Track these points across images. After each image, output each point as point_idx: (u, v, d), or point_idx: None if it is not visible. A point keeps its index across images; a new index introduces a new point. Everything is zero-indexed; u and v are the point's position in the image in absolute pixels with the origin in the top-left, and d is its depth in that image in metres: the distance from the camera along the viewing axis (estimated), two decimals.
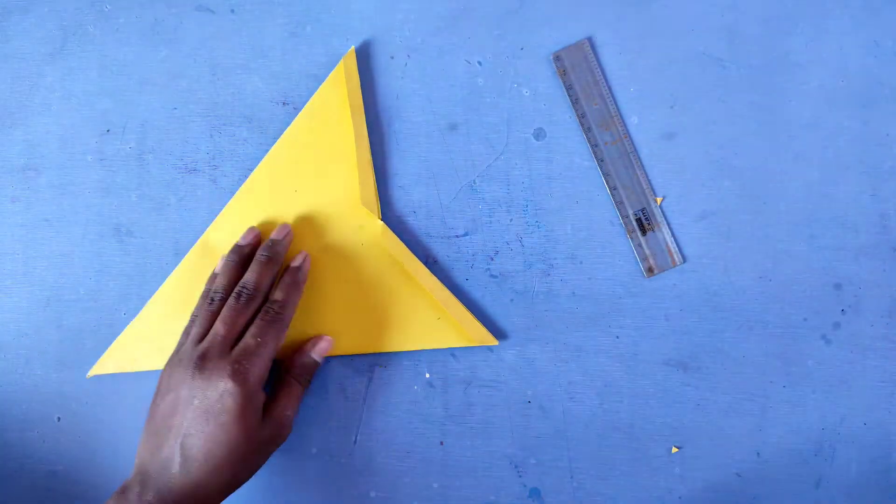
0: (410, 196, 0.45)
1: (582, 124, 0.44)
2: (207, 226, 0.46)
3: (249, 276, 0.41)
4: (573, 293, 0.45)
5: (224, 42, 0.46)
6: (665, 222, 0.44)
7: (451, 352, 0.45)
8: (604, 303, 0.45)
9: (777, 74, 0.45)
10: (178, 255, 0.46)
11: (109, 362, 0.45)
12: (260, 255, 0.42)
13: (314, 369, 0.44)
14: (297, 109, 0.46)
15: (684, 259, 0.44)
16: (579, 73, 0.44)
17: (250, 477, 0.40)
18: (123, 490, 0.37)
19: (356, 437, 0.46)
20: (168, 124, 0.46)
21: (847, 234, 0.44)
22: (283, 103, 0.46)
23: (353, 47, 0.45)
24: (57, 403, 0.46)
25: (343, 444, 0.46)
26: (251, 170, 0.46)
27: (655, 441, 0.44)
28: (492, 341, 0.44)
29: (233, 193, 0.46)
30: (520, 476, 0.45)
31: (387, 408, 0.45)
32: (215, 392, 0.37)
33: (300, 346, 0.44)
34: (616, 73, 0.45)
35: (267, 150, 0.46)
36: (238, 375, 0.38)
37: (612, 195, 0.44)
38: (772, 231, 0.44)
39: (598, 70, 0.44)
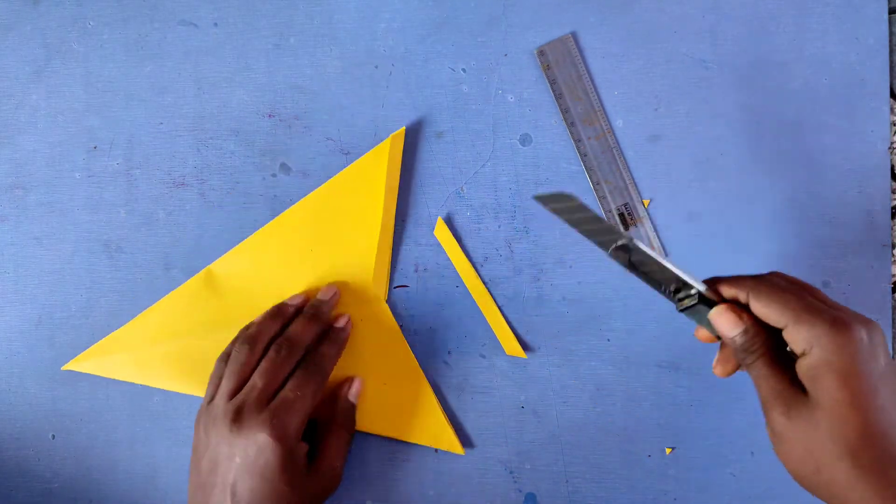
0: (398, 205, 0.45)
1: (566, 119, 0.44)
2: (197, 240, 0.46)
3: (294, 328, 0.41)
4: (563, 297, 0.45)
5: (208, 56, 0.46)
6: (648, 217, 0.44)
7: (444, 359, 0.45)
8: (594, 306, 0.45)
9: (760, 74, 0.45)
10: (168, 269, 0.46)
11: (87, 362, 0.45)
12: (307, 313, 0.42)
13: (354, 413, 0.43)
14: (283, 121, 0.46)
15: (667, 254, 0.44)
16: (563, 68, 0.44)
17: None
18: None
19: (351, 446, 0.46)
20: (155, 139, 0.46)
21: (834, 232, 0.44)
22: (269, 115, 0.46)
23: (403, 128, 0.45)
24: (51, 421, 0.46)
25: None
26: (239, 183, 0.46)
27: (649, 443, 0.45)
28: (459, 450, 0.44)
29: (221, 207, 0.46)
30: (515, 482, 0.45)
31: None
32: (254, 447, 0.37)
33: (335, 393, 0.43)
34: (600, 77, 0.45)
35: (254, 163, 0.46)
36: (276, 430, 0.37)
37: (595, 190, 0.44)
38: (759, 230, 0.45)
39: (582, 65, 0.45)
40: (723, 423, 0.44)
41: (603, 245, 0.34)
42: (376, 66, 0.46)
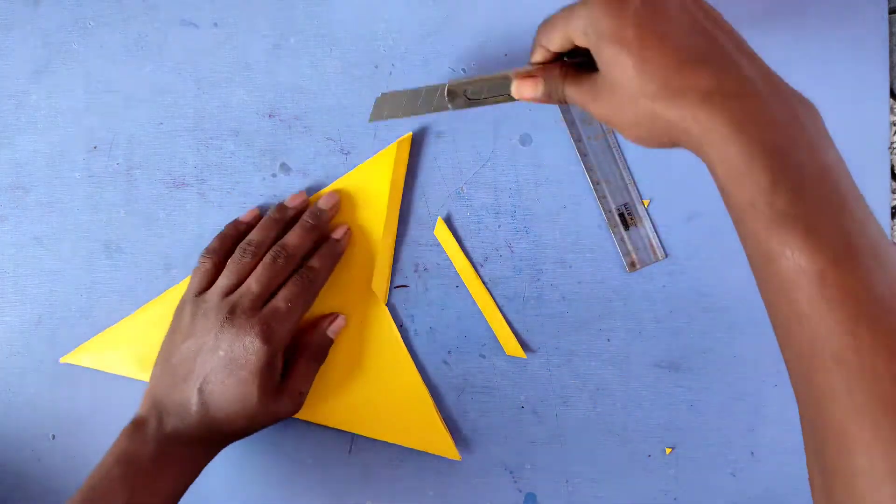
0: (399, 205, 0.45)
1: (566, 119, 0.44)
2: (197, 240, 0.46)
3: (291, 239, 0.42)
4: (563, 297, 0.45)
5: (208, 56, 0.46)
6: (648, 217, 0.44)
7: (444, 359, 0.45)
8: (594, 306, 0.45)
9: None
10: (168, 269, 0.46)
11: (85, 356, 0.46)
12: (305, 220, 0.43)
13: (329, 347, 0.44)
14: (284, 121, 0.46)
15: (666, 254, 0.44)
16: None
17: (256, 432, 0.41)
18: (139, 424, 0.38)
19: (351, 446, 0.46)
20: (155, 139, 0.46)
21: None
22: (269, 115, 0.46)
23: (410, 133, 0.45)
24: (51, 421, 0.46)
25: (338, 453, 0.46)
26: (239, 183, 0.46)
27: (649, 443, 0.45)
28: (455, 456, 0.44)
29: (221, 207, 0.46)
30: (515, 482, 0.45)
31: None
32: (241, 347, 0.38)
33: (315, 324, 0.44)
34: None
35: (254, 163, 0.46)
36: (265, 335, 0.39)
37: (595, 189, 0.44)
38: None
39: None
40: (723, 423, 0.44)
41: (439, 107, 0.41)
42: (376, 66, 0.46)
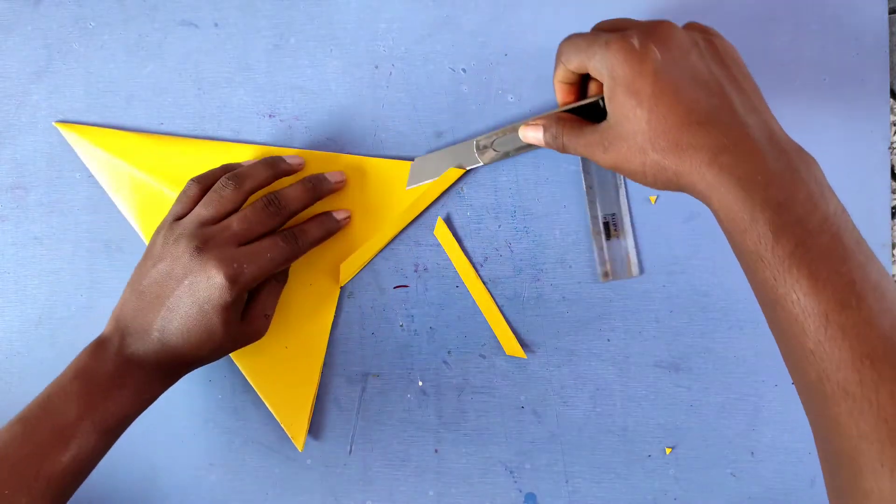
0: None
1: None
2: None
3: (288, 192, 0.41)
4: (563, 297, 0.45)
5: (209, 56, 0.46)
6: (632, 233, 0.44)
7: (444, 359, 0.45)
8: (594, 306, 0.45)
9: (760, 74, 0.45)
10: None
11: (78, 138, 0.46)
12: (307, 181, 0.42)
13: (288, 269, 0.44)
14: (284, 122, 0.46)
15: (642, 271, 0.44)
16: None
17: (220, 358, 0.41)
18: (101, 343, 0.39)
19: (351, 447, 0.46)
20: None
21: None
22: (270, 115, 0.46)
23: (463, 169, 0.45)
24: None
25: (338, 454, 0.46)
26: None
27: (649, 443, 0.45)
28: (299, 446, 0.45)
29: None
30: (515, 482, 0.45)
31: (381, 417, 0.46)
32: (206, 280, 0.37)
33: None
34: None
35: None
36: (232, 275, 0.37)
37: (587, 194, 0.44)
38: None
39: None
40: (723, 423, 0.44)
41: (471, 162, 0.44)
42: (376, 66, 0.46)
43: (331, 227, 0.43)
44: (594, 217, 0.44)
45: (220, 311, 0.38)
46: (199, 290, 0.37)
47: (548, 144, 0.39)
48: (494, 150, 0.43)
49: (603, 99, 0.37)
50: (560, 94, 0.39)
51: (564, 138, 0.38)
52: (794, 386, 0.32)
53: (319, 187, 0.43)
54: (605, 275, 0.44)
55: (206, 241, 0.38)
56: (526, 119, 0.41)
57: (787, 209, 0.29)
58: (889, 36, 0.44)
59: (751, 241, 0.30)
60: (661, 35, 0.33)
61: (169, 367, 0.39)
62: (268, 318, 0.41)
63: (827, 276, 0.28)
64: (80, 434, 0.36)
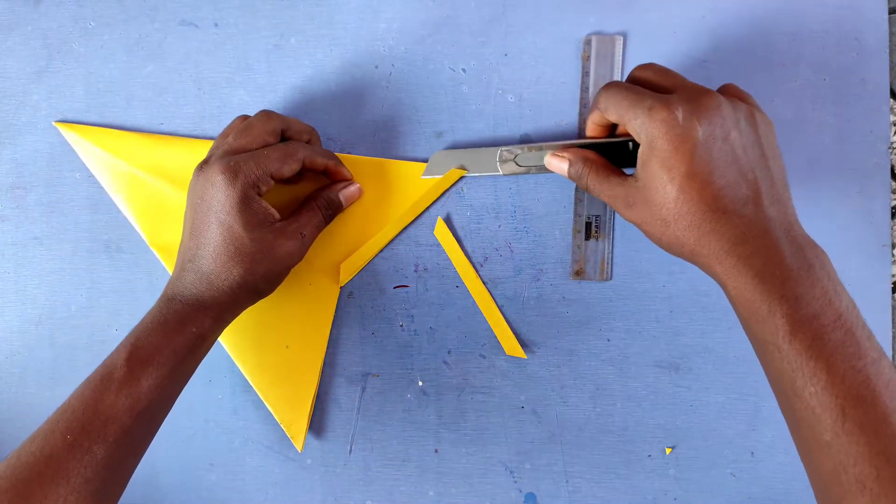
0: None
1: (581, 114, 0.44)
2: None
3: (311, 151, 0.41)
4: (563, 297, 0.45)
5: (209, 56, 0.46)
6: (611, 238, 0.44)
7: (444, 359, 0.45)
8: (594, 306, 0.45)
9: (760, 74, 0.45)
10: (169, 269, 0.46)
11: (78, 137, 0.46)
12: (330, 153, 0.43)
13: (338, 210, 0.43)
14: None
15: (611, 277, 0.44)
16: (600, 63, 0.44)
17: (269, 289, 0.40)
18: (165, 290, 0.38)
19: (351, 447, 0.46)
20: None
21: (834, 232, 0.44)
22: None
23: (464, 171, 0.45)
24: None
25: (338, 454, 0.46)
26: None
27: (649, 443, 0.45)
28: (299, 446, 0.45)
29: None
30: (515, 481, 0.45)
31: (381, 417, 0.46)
32: (211, 188, 0.37)
33: (329, 185, 0.43)
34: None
35: None
36: (231, 169, 0.37)
37: (576, 192, 0.44)
38: None
39: (619, 68, 0.44)
40: (723, 423, 0.44)
41: (490, 169, 0.44)
42: (376, 66, 0.46)
43: (330, 164, 0.42)
44: (578, 215, 0.44)
45: (232, 213, 0.37)
46: (210, 201, 0.37)
47: (570, 178, 0.40)
48: (517, 164, 0.43)
49: (633, 141, 0.38)
50: (590, 131, 0.40)
51: (589, 180, 0.38)
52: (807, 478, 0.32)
53: (338, 166, 0.43)
54: (577, 273, 0.44)
55: (206, 161, 0.38)
56: (552, 143, 0.42)
57: (804, 304, 0.30)
58: (889, 36, 0.44)
59: (768, 332, 0.31)
60: (707, 110, 0.33)
61: (213, 298, 0.37)
62: (304, 238, 0.40)
63: (844, 372, 0.29)
64: (151, 373, 0.36)
